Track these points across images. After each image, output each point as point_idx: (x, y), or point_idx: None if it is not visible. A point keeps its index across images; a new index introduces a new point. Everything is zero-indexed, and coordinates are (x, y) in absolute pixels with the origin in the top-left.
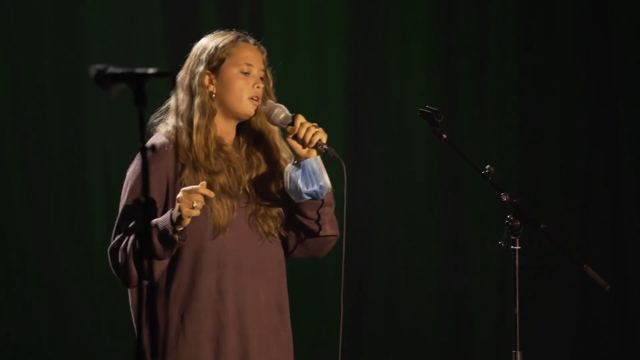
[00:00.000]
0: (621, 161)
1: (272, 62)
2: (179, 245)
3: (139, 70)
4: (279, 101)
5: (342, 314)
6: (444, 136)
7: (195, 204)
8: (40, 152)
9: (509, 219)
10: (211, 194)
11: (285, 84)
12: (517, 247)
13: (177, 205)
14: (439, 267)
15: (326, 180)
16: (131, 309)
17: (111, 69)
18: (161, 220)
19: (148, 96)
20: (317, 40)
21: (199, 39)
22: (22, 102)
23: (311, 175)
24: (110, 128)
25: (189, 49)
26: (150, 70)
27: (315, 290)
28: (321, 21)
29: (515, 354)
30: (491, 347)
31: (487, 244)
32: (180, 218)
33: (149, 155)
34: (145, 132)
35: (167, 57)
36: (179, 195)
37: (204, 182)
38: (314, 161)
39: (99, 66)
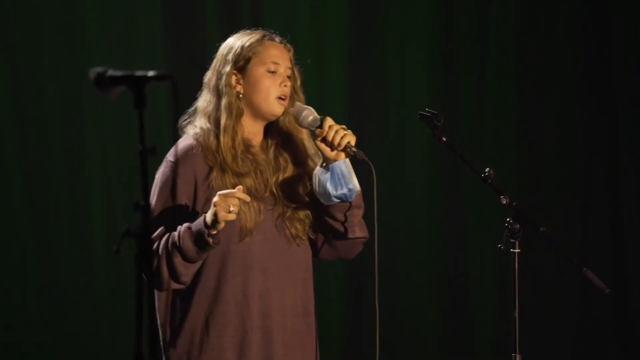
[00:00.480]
0: (621, 161)
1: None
2: (212, 248)
3: (138, 73)
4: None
5: (377, 315)
6: (444, 139)
7: (231, 208)
8: (40, 153)
9: (508, 221)
10: (247, 198)
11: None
12: (516, 250)
13: (213, 208)
14: (438, 269)
15: (355, 183)
16: (157, 312)
17: (111, 72)
18: (195, 223)
19: (148, 99)
20: (317, 40)
21: (199, 39)
22: (22, 102)
23: (340, 178)
24: (110, 128)
25: (200, 50)
26: (150, 73)
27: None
28: (321, 21)
29: (515, 356)
30: (491, 349)
31: (487, 246)
32: (215, 222)
33: (178, 157)
34: (146, 134)
35: (167, 58)
36: (215, 199)
37: (240, 187)
38: (343, 164)
39: (99, 69)
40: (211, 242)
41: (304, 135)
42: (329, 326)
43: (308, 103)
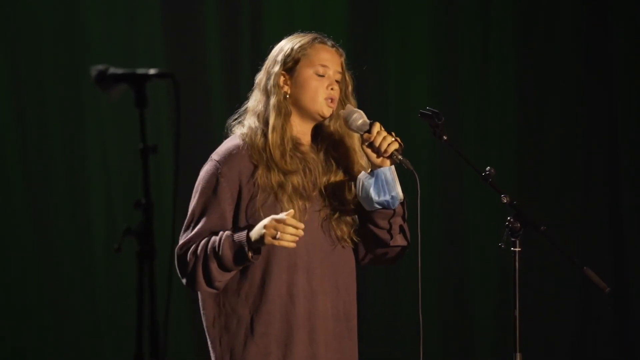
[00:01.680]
0: (621, 161)
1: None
2: (251, 263)
3: (140, 70)
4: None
5: (421, 325)
6: (445, 138)
7: (278, 235)
8: (41, 152)
9: (509, 220)
10: (300, 226)
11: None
12: (517, 249)
13: (262, 229)
14: (439, 268)
15: (399, 191)
16: (203, 315)
17: (112, 70)
18: (238, 234)
19: (149, 97)
20: None
21: (199, 39)
22: (22, 102)
23: (384, 185)
24: (110, 128)
25: (200, 48)
26: (152, 71)
27: None
28: (320, 21)
29: (516, 355)
30: (491, 347)
31: (487, 245)
32: (260, 241)
33: (224, 156)
34: (147, 133)
35: (167, 58)
36: (267, 221)
37: (291, 211)
38: (388, 170)
39: (100, 67)
40: (251, 257)
41: (356, 140)
42: None
43: None
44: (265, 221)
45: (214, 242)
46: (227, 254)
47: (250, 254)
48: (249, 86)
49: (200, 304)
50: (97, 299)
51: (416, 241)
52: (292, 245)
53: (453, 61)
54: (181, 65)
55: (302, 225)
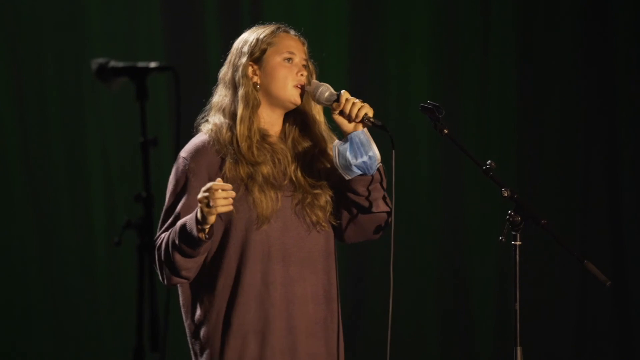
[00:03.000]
0: (621, 155)
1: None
2: (205, 243)
3: (140, 64)
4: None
5: (391, 299)
6: (445, 131)
7: (211, 203)
8: (41, 146)
9: (509, 214)
10: (227, 187)
11: None
12: (517, 243)
13: (199, 202)
14: (439, 262)
15: (375, 151)
16: (182, 309)
17: (113, 63)
18: (188, 218)
19: (149, 90)
20: (317, 36)
21: (199, 32)
22: (23, 96)
23: (359, 147)
24: (110, 122)
25: (200, 42)
26: (152, 64)
27: None
28: (321, 16)
29: (516, 349)
30: (492, 342)
31: (488, 238)
32: (204, 217)
33: (191, 153)
34: (147, 126)
35: (166, 51)
36: (199, 196)
37: (219, 179)
38: (362, 133)
39: (101, 60)
40: (203, 237)
41: (322, 124)
42: None
43: None
44: (198, 196)
45: (174, 232)
46: (181, 239)
47: (202, 235)
48: None
49: (180, 298)
50: (98, 292)
51: (392, 203)
52: (229, 208)
53: (453, 54)
54: (181, 58)
55: (229, 186)
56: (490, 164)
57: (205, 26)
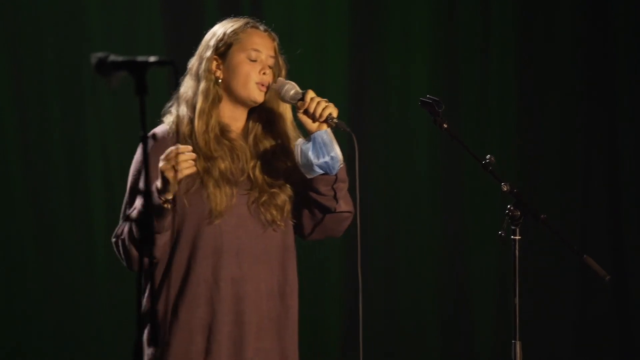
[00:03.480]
0: (620, 151)
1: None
2: (168, 211)
3: (140, 58)
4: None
5: (360, 296)
6: (445, 126)
7: (176, 167)
8: (41, 143)
9: (509, 209)
10: (188, 149)
11: (285, 79)
12: (517, 237)
13: (160, 174)
14: (438, 257)
15: (337, 152)
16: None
17: (112, 57)
18: (149, 191)
19: (149, 84)
20: (317, 32)
21: (199, 26)
22: (23, 94)
23: (322, 147)
24: (111, 122)
25: (199, 37)
26: (152, 59)
27: (316, 282)
28: (322, 12)
29: (515, 343)
30: (491, 337)
31: (488, 233)
32: (165, 184)
33: (150, 145)
34: (147, 120)
35: (166, 46)
36: (161, 164)
37: (178, 145)
38: (324, 133)
39: (100, 54)
40: (165, 205)
41: (287, 122)
42: (329, 316)
43: None
44: (159, 165)
45: (132, 214)
46: (144, 211)
47: (165, 204)
48: None
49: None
50: (98, 291)
51: (356, 205)
52: (193, 169)
53: (453, 53)
54: (181, 53)
55: (189, 148)
56: (489, 159)
57: (205, 21)
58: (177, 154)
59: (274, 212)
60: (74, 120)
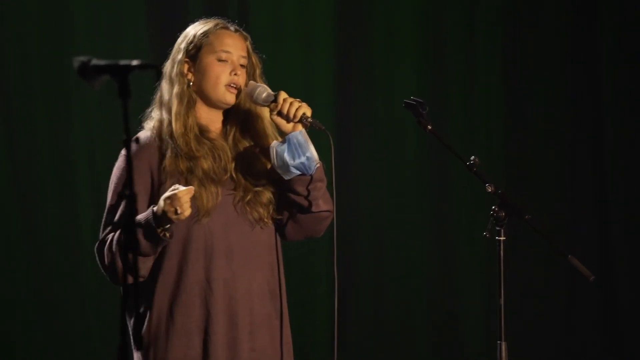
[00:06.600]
0: (607, 150)
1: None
2: (166, 242)
3: (122, 62)
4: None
5: (336, 296)
6: (429, 127)
7: (179, 210)
8: (27, 144)
9: (493, 209)
10: (191, 190)
11: (272, 77)
12: (501, 238)
13: (162, 206)
14: (426, 256)
15: (313, 152)
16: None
17: (95, 61)
18: (143, 217)
19: (131, 88)
20: (303, 31)
21: (182, 30)
22: (8, 96)
23: (297, 148)
24: (97, 124)
25: (175, 38)
26: (134, 62)
27: (305, 280)
28: (308, 11)
29: (501, 344)
30: (479, 337)
31: (474, 234)
32: (168, 221)
33: (133, 150)
34: (130, 124)
35: (151, 50)
36: (161, 202)
37: (178, 185)
38: (299, 134)
39: (83, 58)
40: (166, 237)
41: (264, 120)
42: (319, 315)
43: (295, 95)
44: (161, 202)
45: (127, 232)
46: (140, 239)
47: (165, 234)
48: None
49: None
50: (84, 289)
51: (333, 203)
52: (190, 209)
53: (439, 50)
54: (166, 57)
55: (192, 188)
56: (474, 160)
57: (190, 22)
58: (180, 197)
59: (261, 210)
60: (60, 120)
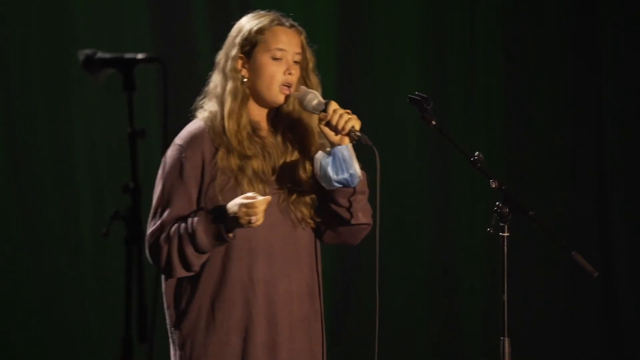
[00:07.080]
0: (608, 148)
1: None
2: (226, 242)
3: (127, 55)
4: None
5: (377, 307)
6: (433, 123)
7: (252, 219)
8: (28, 138)
9: (497, 205)
10: (268, 199)
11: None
12: (505, 234)
13: (235, 212)
14: (426, 256)
15: (356, 169)
16: (164, 296)
17: (100, 54)
18: (211, 216)
19: (137, 81)
20: (305, 26)
21: (187, 23)
22: (8, 96)
23: (341, 163)
24: (98, 116)
25: (187, 34)
26: (139, 55)
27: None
28: (309, 12)
29: (504, 340)
30: (479, 337)
31: (474, 234)
32: (237, 225)
33: (186, 139)
34: (134, 117)
35: (154, 43)
36: (236, 208)
37: (251, 194)
38: (345, 149)
39: (88, 51)
40: (229, 239)
41: (314, 122)
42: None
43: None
44: (235, 208)
45: (187, 227)
46: (202, 237)
47: (230, 235)
48: None
49: (162, 286)
50: (85, 285)
51: (376, 218)
52: (262, 219)
53: (441, 48)
54: (169, 50)
55: (269, 198)
56: (477, 156)
57: (193, 17)
58: (258, 205)
59: (304, 210)
60: (61, 114)
